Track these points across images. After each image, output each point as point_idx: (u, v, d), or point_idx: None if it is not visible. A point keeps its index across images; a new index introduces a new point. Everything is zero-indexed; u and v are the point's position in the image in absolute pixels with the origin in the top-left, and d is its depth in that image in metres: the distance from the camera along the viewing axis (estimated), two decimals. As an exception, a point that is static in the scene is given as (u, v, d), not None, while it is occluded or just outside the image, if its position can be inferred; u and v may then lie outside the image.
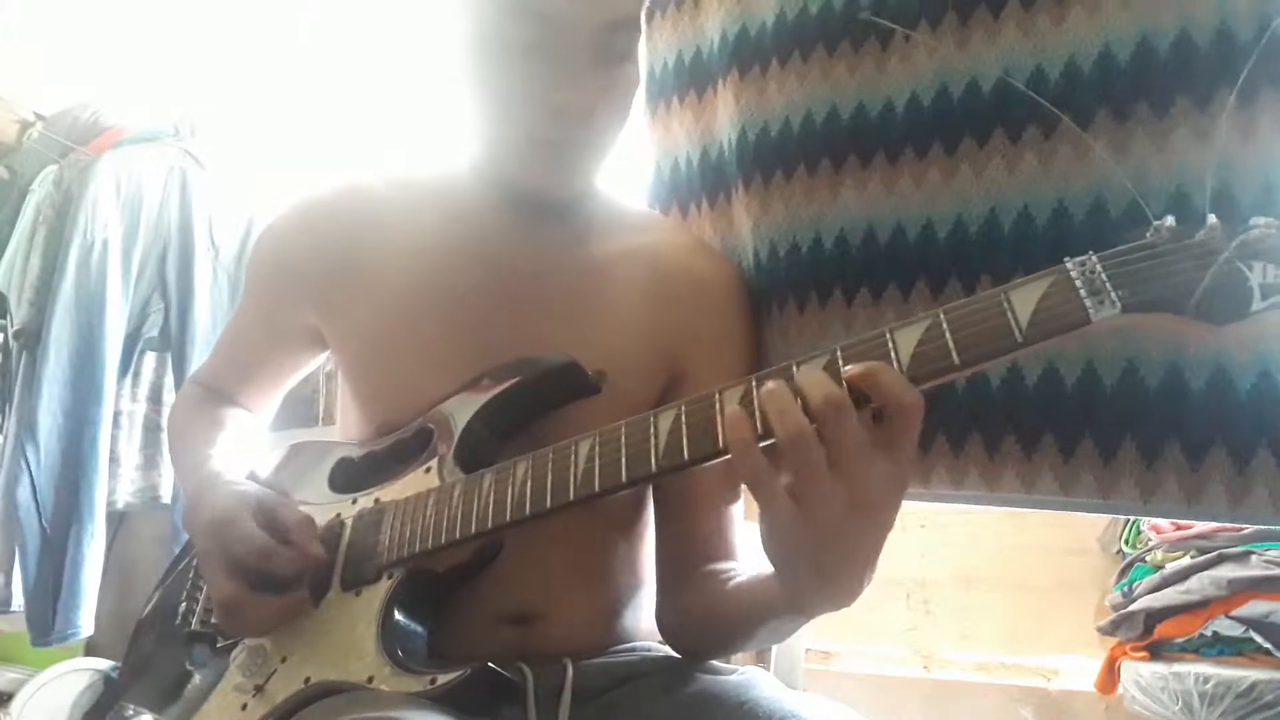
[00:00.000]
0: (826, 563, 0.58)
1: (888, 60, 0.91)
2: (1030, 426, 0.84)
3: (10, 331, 2.31)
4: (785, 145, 0.98)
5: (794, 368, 0.59)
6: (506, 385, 0.81)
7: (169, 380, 2.44)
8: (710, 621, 0.81)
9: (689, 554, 0.86)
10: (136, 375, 2.41)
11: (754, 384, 0.60)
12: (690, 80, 1.11)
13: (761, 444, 0.56)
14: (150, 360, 2.44)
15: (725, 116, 1.04)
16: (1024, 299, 0.54)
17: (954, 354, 0.55)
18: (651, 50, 1.17)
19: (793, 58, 0.97)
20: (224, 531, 0.76)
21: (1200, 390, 0.76)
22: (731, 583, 0.79)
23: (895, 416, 0.54)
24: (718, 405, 0.62)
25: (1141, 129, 0.78)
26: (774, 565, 0.63)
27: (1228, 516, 0.76)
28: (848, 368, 0.56)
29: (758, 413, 0.57)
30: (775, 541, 0.60)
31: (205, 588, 0.87)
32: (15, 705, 2.14)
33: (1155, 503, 0.78)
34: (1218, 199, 0.70)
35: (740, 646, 0.85)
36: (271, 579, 0.75)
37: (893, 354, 0.56)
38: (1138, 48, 0.78)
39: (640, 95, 1.16)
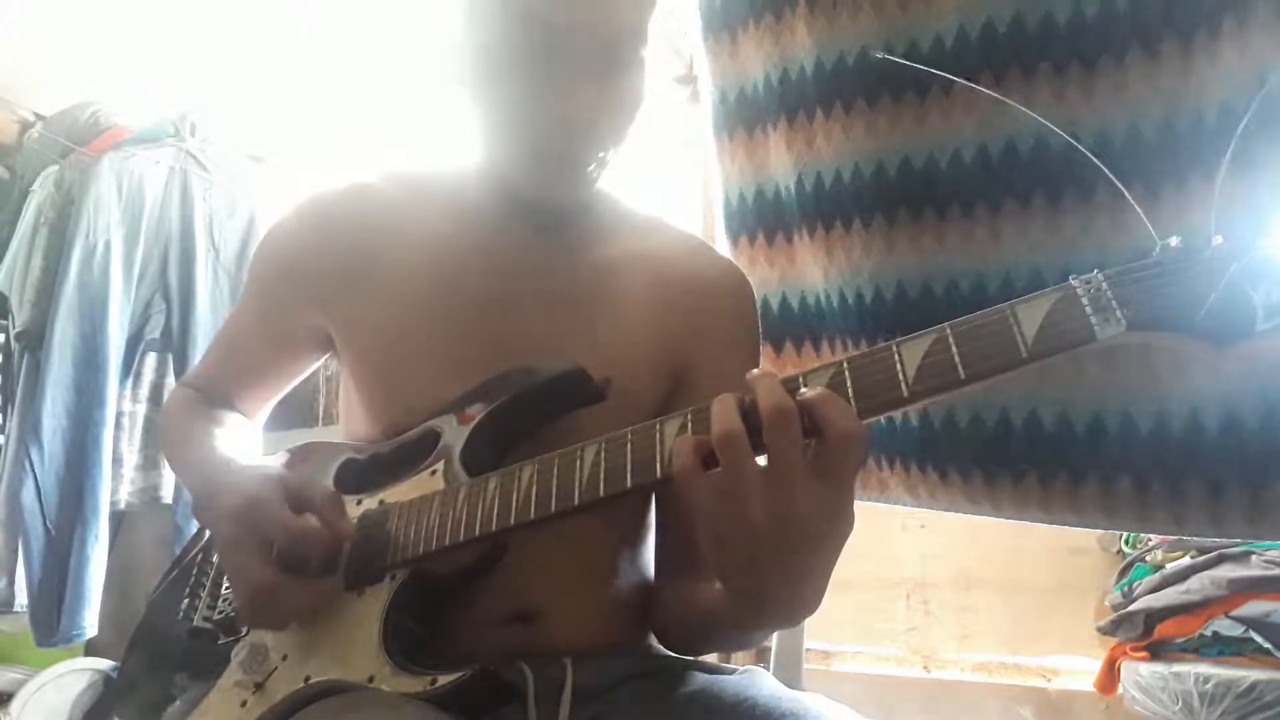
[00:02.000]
0: (765, 577, 0.59)
1: (928, 113, 0.96)
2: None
3: (12, 333, 2.31)
4: (847, 195, 1.02)
5: (801, 379, 0.59)
6: (515, 391, 0.81)
7: (170, 381, 2.44)
8: (685, 622, 0.83)
9: (684, 555, 0.87)
10: (138, 376, 2.42)
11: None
12: (739, 118, 1.15)
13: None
14: (151, 361, 2.44)
15: (779, 161, 1.06)
16: (1030, 315, 0.55)
17: (959, 368, 0.55)
18: (711, 81, 1.19)
19: (835, 108, 1.01)
20: (254, 513, 0.74)
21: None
22: (704, 586, 0.79)
23: (835, 444, 0.55)
24: None
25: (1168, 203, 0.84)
26: (717, 573, 0.64)
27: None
28: (801, 391, 0.57)
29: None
30: (711, 545, 0.60)
31: (210, 576, 0.87)
32: (15, 705, 2.14)
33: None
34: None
35: (713, 648, 0.86)
36: (303, 561, 0.74)
37: (899, 367, 0.57)
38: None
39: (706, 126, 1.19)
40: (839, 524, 0.57)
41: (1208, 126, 0.80)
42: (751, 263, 1.15)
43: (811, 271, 1.05)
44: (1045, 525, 0.93)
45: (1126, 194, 0.56)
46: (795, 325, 1.12)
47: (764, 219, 1.11)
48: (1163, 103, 0.83)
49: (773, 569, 0.58)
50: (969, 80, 0.89)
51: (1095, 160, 0.65)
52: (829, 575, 0.60)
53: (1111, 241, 0.85)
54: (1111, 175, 0.61)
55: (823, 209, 1.02)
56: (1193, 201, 0.81)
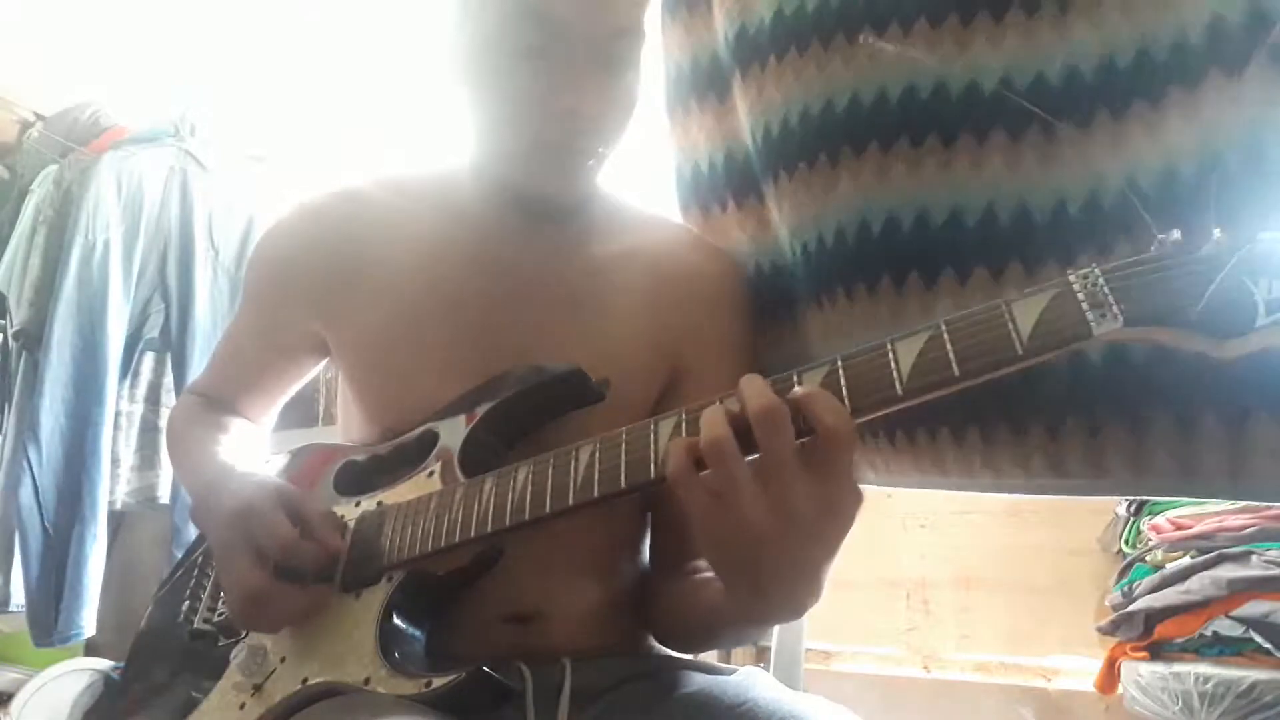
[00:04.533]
0: (758, 576, 0.59)
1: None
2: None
3: (10, 332, 2.31)
4: (812, 134, 0.94)
5: (795, 376, 0.59)
6: (511, 392, 0.81)
7: (167, 380, 2.44)
8: (683, 617, 0.83)
9: (678, 550, 0.87)
10: (135, 376, 2.42)
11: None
12: (709, 84, 1.10)
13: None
14: (149, 361, 2.44)
15: (744, 117, 1.04)
16: (1026, 311, 0.54)
17: (954, 365, 0.55)
18: (666, 56, 1.16)
19: (789, 53, 0.95)
20: (249, 520, 0.75)
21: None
22: (701, 581, 0.80)
23: (826, 440, 0.55)
24: None
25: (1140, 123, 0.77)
26: (715, 571, 0.64)
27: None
28: (793, 390, 0.57)
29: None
30: (708, 545, 0.61)
31: (211, 579, 0.87)
32: (15, 705, 2.14)
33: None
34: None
35: (709, 645, 0.86)
36: (294, 571, 0.75)
37: (893, 365, 0.56)
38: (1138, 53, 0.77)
39: (660, 100, 1.15)
40: (837, 519, 0.57)
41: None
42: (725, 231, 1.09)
43: (778, 229, 1.01)
44: (1045, 525, 0.90)
45: (1130, 195, 0.55)
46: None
47: (733, 183, 1.07)
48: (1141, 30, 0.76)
49: (772, 566, 0.58)
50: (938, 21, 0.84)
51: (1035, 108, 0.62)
52: (829, 568, 0.60)
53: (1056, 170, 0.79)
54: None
55: (789, 154, 0.96)
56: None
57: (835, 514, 0.57)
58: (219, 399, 1.03)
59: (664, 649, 0.88)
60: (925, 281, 0.85)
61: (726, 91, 1.07)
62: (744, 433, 0.56)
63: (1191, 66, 0.72)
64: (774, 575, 0.58)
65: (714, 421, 0.57)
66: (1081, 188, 0.78)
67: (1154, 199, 0.72)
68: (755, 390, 0.56)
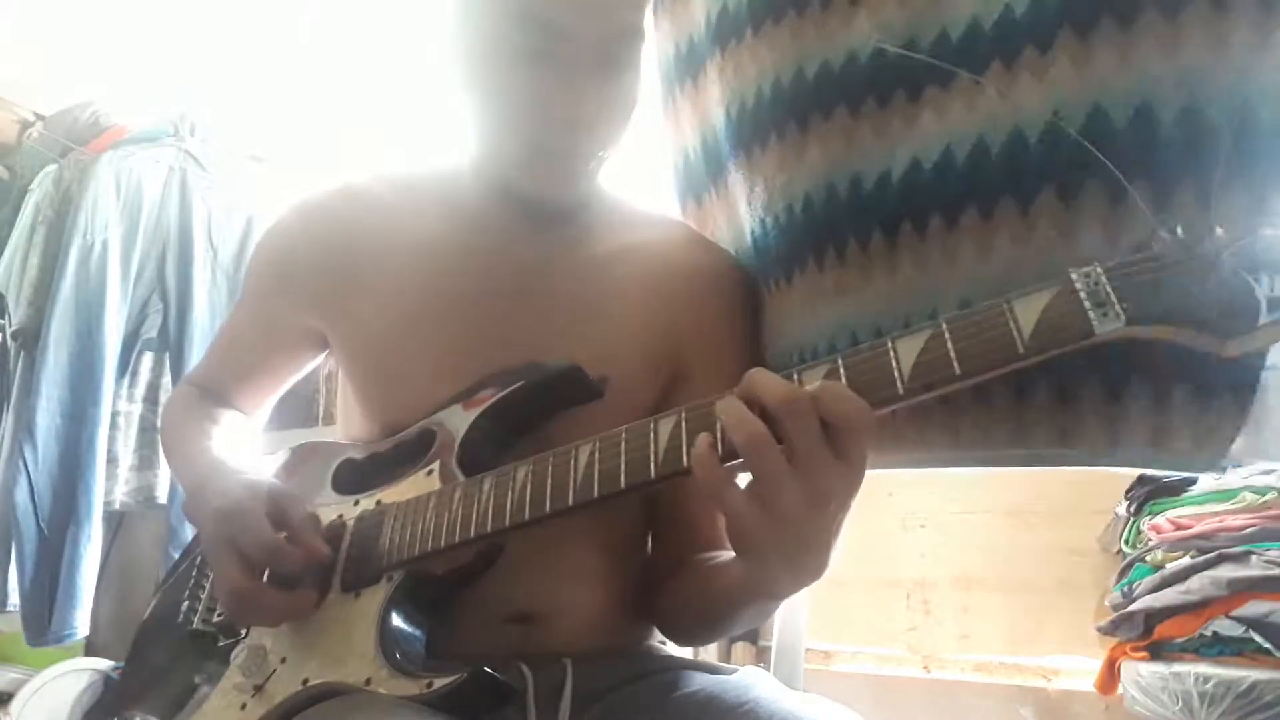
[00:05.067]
0: (795, 555, 0.60)
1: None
2: None
3: (8, 331, 2.31)
4: (770, 110, 0.92)
5: (795, 375, 0.59)
6: (510, 390, 0.81)
7: (166, 380, 2.44)
8: (694, 607, 0.83)
9: (681, 543, 0.87)
10: (134, 375, 2.42)
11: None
12: (687, 69, 1.09)
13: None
14: (147, 360, 2.44)
15: (715, 98, 1.03)
16: (1027, 309, 0.54)
17: (955, 364, 0.55)
18: (659, 48, 1.16)
19: (765, 24, 0.93)
20: (233, 521, 0.75)
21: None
22: (712, 569, 0.80)
23: (847, 428, 0.55)
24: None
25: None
26: (744, 560, 0.64)
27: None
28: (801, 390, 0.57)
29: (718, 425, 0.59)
30: (744, 543, 0.61)
31: (210, 579, 0.87)
32: (15, 705, 2.14)
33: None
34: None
35: (725, 631, 0.86)
36: (277, 574, 0.75)
37: (894, 363, 0.56)
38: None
39: (657, 95, 1.15)
40: (857, 488, 0.59)
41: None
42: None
43: (741, 209, 0.99)
44: (1045, 525, 0.88)
45: (1122, 180, 0.55)
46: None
47: (710, 169, 1.04)
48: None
49: (810, 544, 0.59)
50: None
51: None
52: (841, 529, 0.62)
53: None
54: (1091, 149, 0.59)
55: (756, 129, 0.93)
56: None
57: (858, 482, 0.58)
58: (215, 390, 1.03)
59: (665, 649, 0.88)
60: (887, 243, 0.82)
61: (701, 74, 1.06)
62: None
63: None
64: (809, 548, 0.60)
65: (742, 417, 0.57)
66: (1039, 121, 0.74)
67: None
68: (772, 382, 0.57)
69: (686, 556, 0.86)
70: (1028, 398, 0.73)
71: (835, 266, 0.86)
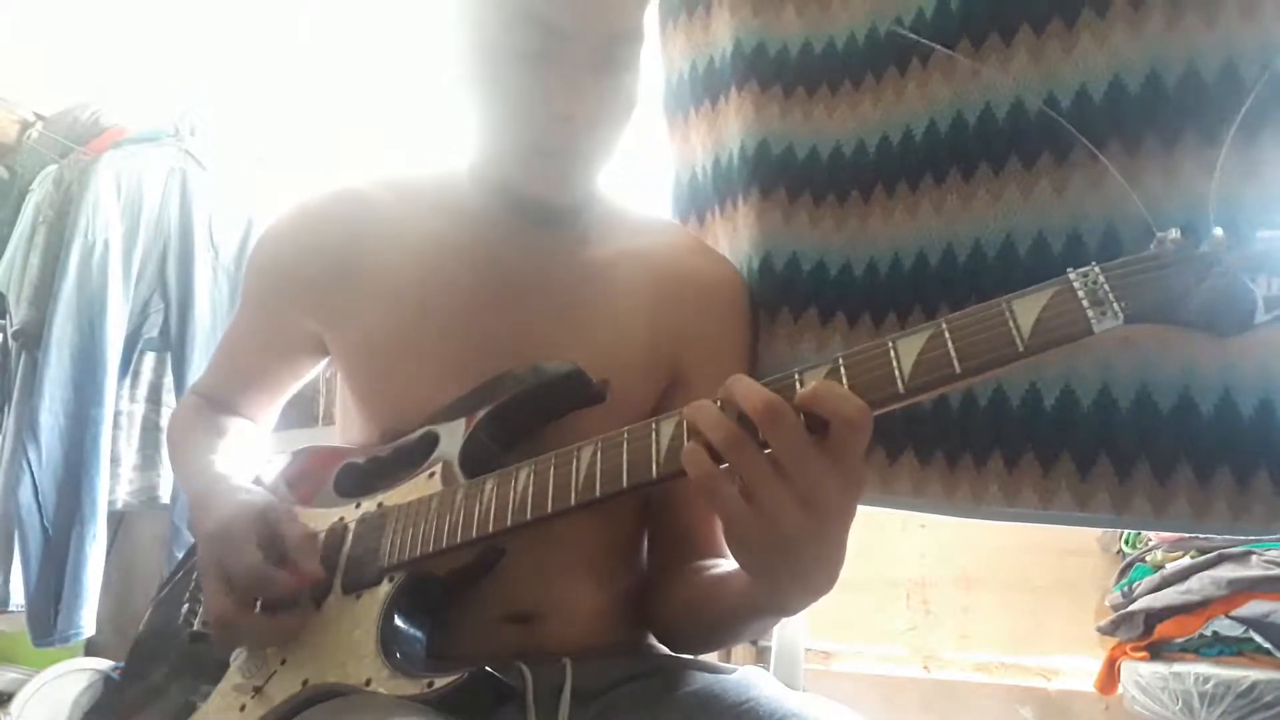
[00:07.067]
0: (796, 564, 0.59)
1: (906, 86, 0.95)
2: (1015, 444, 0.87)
3: (10, 331, 2.31)
4: (802, 168, 1.01)
5: (796, 376, 0.59)
6: (511, 393, 0.81)
7: (168, 380, 2.44)
8: (696, 617, 0.82)
9: (679, 549, 0.87)
10: (135, 375, 2.41)
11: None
12: (705, 89, 1.12)
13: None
14: (149, 360, 2.44)
15: (738, 125, 1.05)
16: (1026, 309, 0.55)
17: (955, 362, 0.55)
18: (667, 61, 1.17)
19: (820, 89, 1.01)
20: (222, 548, 0.75)
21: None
22: (717, 579, 0.80)
23: (841, 428, 0.55)
24: None
25: (1152, 161, 0.80)
26: (748, 571, 0.64)
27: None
28: (797, 389, 0.57)
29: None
30: (741, 547, 0.61)
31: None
32: (15, 705, 2.14)
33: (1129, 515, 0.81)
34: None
35: (726, 642, 0.86)
36: (266, 601, 0.75)
37: (894, 362, 0.57)
38: (1147, 79, 0.80)
39: (658, 106, 1.16)
40: (859, 491, 0.58)
41: (1206, 84, 0.79)
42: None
43: (742, 239, 1.05)
44: (1045, 525, 0.91)
45: (1124, 183, 0.55)
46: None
47: (719, 190, 1.11)
48: (1149, 58, 0.81)
49: (810, 553, 0.59)
50: (948, 48, 0.89)
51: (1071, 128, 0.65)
52: (845, 543, 0.61)
53: (1089, 205, 0.83)
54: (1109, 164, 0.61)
55: (771, 176, 1.03)
56: (1181, 164, 0.79)
57: (857, 488, 0.58)
58: (220, 399, 1.03)
59: (664, 648, 0.88)
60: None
61: (721, 97, 1.09)
62: (751, 433, 0.56)
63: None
64: (812, 559, 0.59)
65: (717, 419, 0.57)
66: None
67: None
68: (746, 388, 0.56)
69: (683, 563, 0.86)
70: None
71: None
